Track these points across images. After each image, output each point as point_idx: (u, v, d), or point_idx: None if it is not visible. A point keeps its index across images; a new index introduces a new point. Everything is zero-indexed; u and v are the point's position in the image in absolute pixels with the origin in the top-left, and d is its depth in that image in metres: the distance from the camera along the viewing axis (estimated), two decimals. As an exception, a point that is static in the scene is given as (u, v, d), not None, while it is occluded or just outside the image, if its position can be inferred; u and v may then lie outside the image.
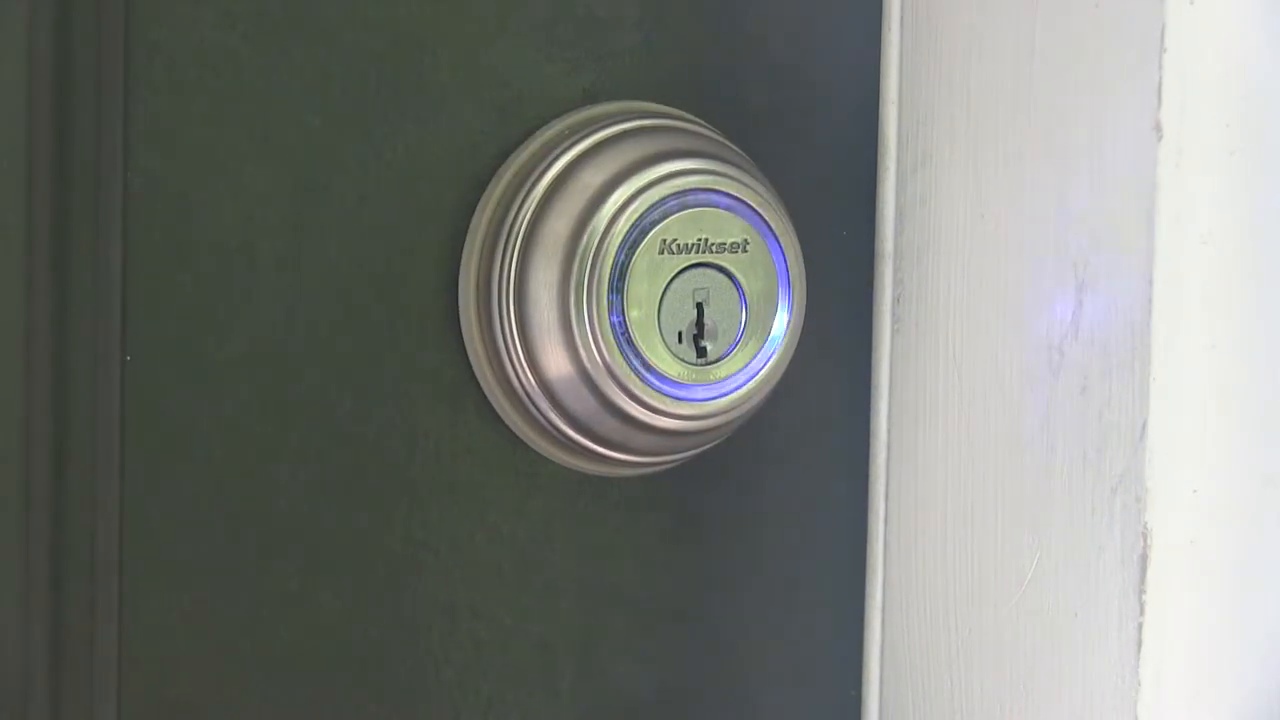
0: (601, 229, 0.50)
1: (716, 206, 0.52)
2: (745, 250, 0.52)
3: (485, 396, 0.53)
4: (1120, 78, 0.51)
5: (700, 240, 0.52)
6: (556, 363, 0.51)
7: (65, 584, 0.48)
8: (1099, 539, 0.52)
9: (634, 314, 0.51)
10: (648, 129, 0.53)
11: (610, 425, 0.52)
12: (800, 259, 0.54)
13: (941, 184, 0.58)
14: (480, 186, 0.52)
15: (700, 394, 0.52)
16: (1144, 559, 0.51)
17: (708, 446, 0.56)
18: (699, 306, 0.52)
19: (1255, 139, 0.52)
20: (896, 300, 0.59)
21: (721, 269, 0.52)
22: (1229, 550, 0.53)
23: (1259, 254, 0.53)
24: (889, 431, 0.60)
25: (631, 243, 0.51)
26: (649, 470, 0.56)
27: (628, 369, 0.51)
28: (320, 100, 0.50)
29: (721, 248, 0.52)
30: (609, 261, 0.50)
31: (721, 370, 0.52)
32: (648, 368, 0.51)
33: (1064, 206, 0.53)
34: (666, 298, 0.51)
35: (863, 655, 0.61)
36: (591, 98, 0.54)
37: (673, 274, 0.51)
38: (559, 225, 0.51)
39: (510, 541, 0.54)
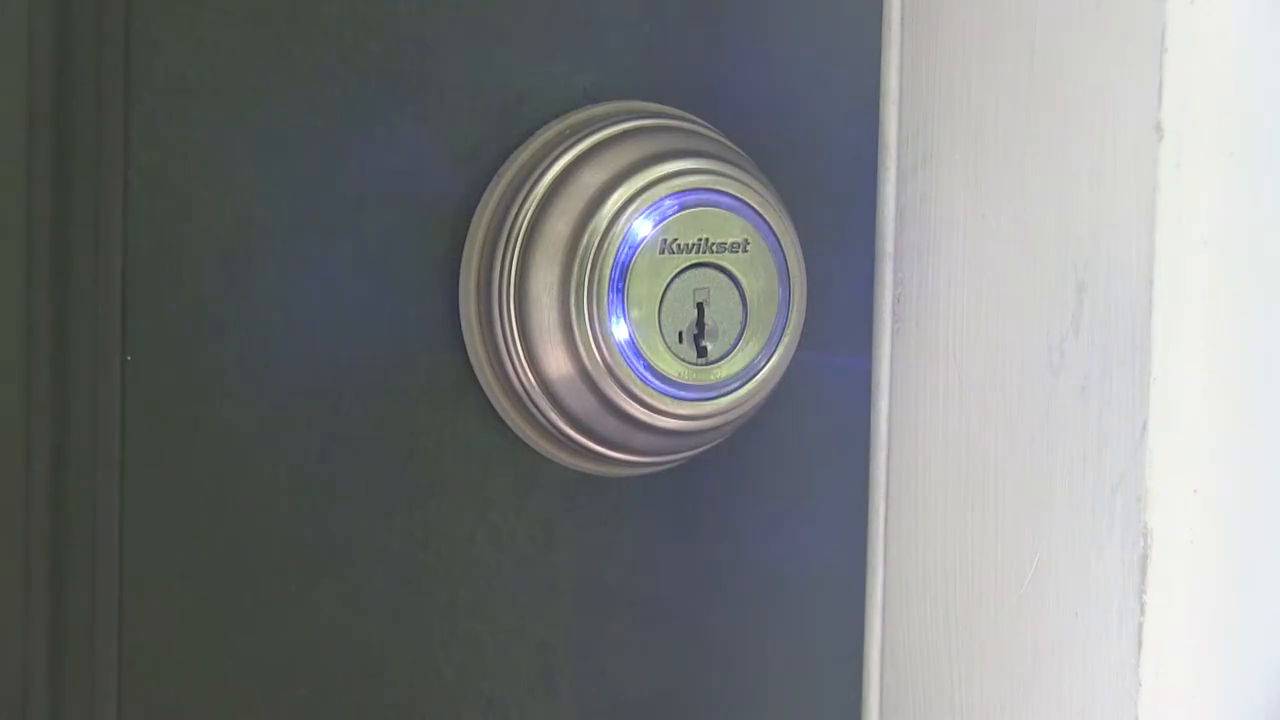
0: (602, 229, 0.50)
1: (717, 206, 0.52)
2: (745, 250, 0.52)
3: (485, 396, 0.53)
4: (1120, 78, 0.51)
5: (700, 240, 0.52)
6: (557, 363, 0.51)
7: (65, 584, 0.48)
8: (1099, 539, 0.52)
9: (634, 314, 0.51)
10: (648, 129, 0.53)
11: (610, 425, 0.52)
12: (800, 259, 0.54)
13: (942, 184, 0.58)
14: (480, 187, 0.52)
15: (700, 394, 0.52)
16: (1144, 559, 0.51)
17: (708, 446, 0.56)
18: (699, 306, 0.52)
19: (1255, 139, 0.52)
20: (896, 300, 0.59)
21: (722, 269, 0.52)
22: (1229, 550, 0.53)
23: (1259, 254, 0.53)
24: (889, 431, 0.60)
25: (632, 243, 0.51)
26: (649, 470, 0.56)
27: (628, 369, 0.51)
28: (320, 100, 0.50)
29: (722, 247, 0.52)
30: (609, 261, 0.50)
31: (722, 370, 0.52)
32: (648, 368, 0.51)
33: (1064, 206, 0.53)
34: (667, 298, 0.51)
35: (863, 655, 0.61)
36: (591, 98, 0.54)
37: (673, 274, 0.51)
38: (559, 225, 0.51)
39: (510, 541, 0.54)
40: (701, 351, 0.52)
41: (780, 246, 0.53)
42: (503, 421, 0.53)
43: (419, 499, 0.52)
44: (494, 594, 0.53)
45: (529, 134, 0.53)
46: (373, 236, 0.51)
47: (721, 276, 0.52)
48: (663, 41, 0.55)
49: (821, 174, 0.59)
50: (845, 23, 0.59)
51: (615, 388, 0.51)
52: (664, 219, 0.51)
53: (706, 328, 0.52)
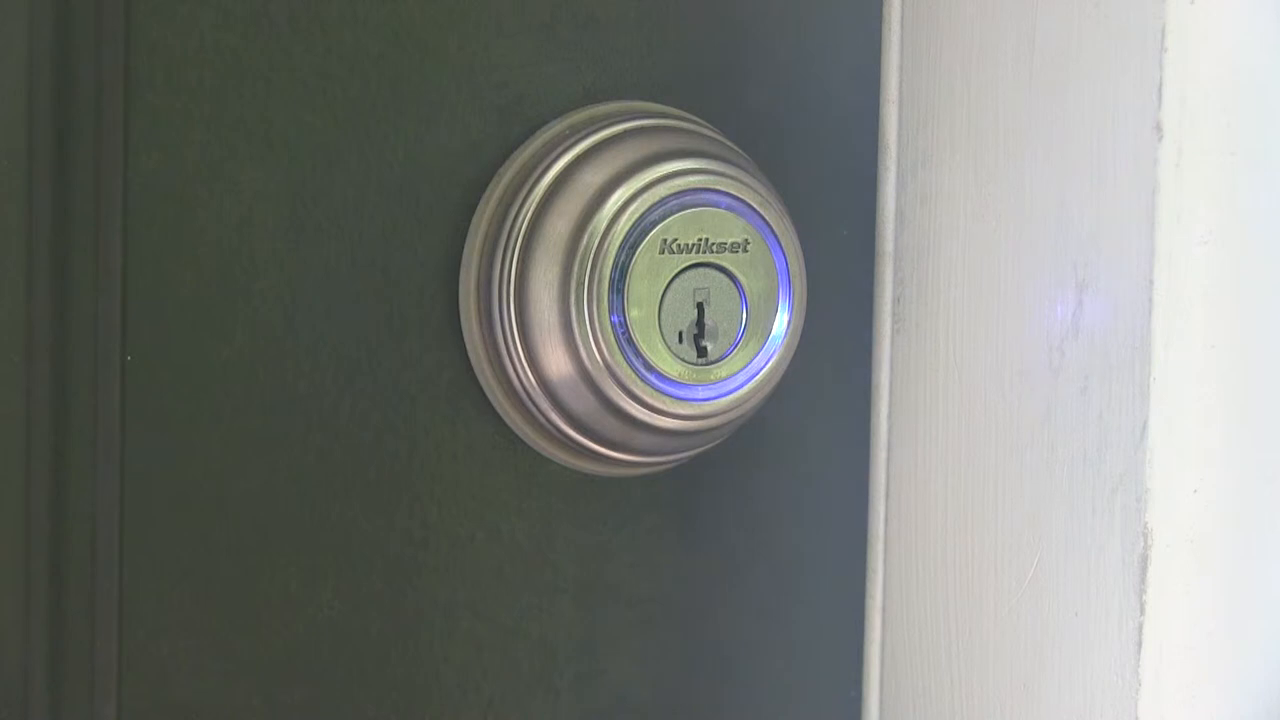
0: (602, 229, 0.50)
1: (717, 206, 0.52)
2: (745, 250, 0.52)
3: (485, 396, 0.53)
4: (1120, 78, 0.51)
5: (700, 240, 0.52)
6: (557, 362, 0.51)
7: (65, 584, 0.48)
8: (1099, 539, 0.52)
9: (634, 314, 0.51)
10: (648, 129, 0.53)
11: (610, 425, 0.52)
12: (800, 259, 0.54)
13: (941, 184, 0.58)
14: (480, 186, 0.52)
15: (700, 394, 0.52)
16: (1144, 559, 0.51)
17: (708, 446, 0.56)
18: (699, 306, 0.52)
19: (1255, 139, 0.52)
20: (896, 300, 0.59)
21: (722, 269, 0.52)
22: (1229, 550, 0.53)
23: (1259, 254, 0.53)
24: (889, 431, 0.60)
25: (632, 243, 0.51)
26: (649, 470, 0.56)
27: (628, 369, 0.51)
28: (320, 100, 0.50)
29: (722, 247, 0.52)
30: (609, 261, 0.50)
31: (722, 370, 0.52)
32: (648, 367, 0.51)
33: (1064, 206, 0.53)
34: (667, 297, 0.51)
35: (863, 655, 0.61)
36: (591, 98, 0.54)
37: (673, 274, 0.51)
38: (559, 225, 0.51)
39: (510, 541, 0.54)
40: (701, 351, 0.52)
41: (780, 246, 0.53)
42: (503, 421, 0.53)
43: (419, 499, 0.52)
44: (494, 594, 0.53)
45: (529, 134, 0.53)
46: (372, 236, 0.51)
47: (721, 276, 0.52)
48: (663, 41, 0.55)
49: (821, 174, 0.59)
50: (845, 23, 0.59)
51: (615, 387, 0.51)
52: (664, 219, 0.51)
53: (706, 328, 0.52)
